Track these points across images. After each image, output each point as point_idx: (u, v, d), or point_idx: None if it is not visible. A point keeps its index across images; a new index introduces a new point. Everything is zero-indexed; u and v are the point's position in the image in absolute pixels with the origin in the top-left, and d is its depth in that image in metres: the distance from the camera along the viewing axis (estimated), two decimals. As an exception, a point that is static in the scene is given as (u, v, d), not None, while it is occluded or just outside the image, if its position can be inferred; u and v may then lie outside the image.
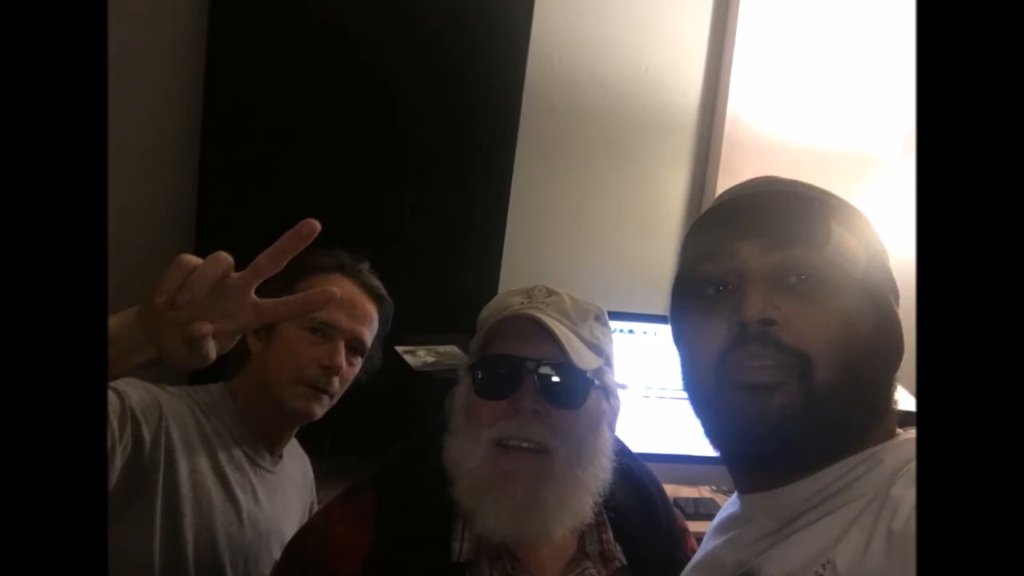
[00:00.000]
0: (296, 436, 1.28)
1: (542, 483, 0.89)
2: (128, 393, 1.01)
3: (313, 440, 1.37)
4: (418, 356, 1.68)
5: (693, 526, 1.09)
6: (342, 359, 1.18)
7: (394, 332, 1.32)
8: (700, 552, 0.80)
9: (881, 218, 0.83)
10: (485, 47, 1.89)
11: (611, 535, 0.97)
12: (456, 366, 1.20)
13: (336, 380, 1.18)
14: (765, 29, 2.10)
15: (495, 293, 1.92)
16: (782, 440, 0.65)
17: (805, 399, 0.64)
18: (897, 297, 0.71)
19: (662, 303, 1.09)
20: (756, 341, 0.65)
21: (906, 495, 0.59)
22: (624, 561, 0.96)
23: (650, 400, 1.85)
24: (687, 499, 1.87)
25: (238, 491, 1.14)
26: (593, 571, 0.94)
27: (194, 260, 0.68)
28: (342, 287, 1.16)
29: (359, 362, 1.23)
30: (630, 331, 1.84)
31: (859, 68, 2.15)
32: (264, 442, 1.21)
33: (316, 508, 1.33)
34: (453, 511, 0.92)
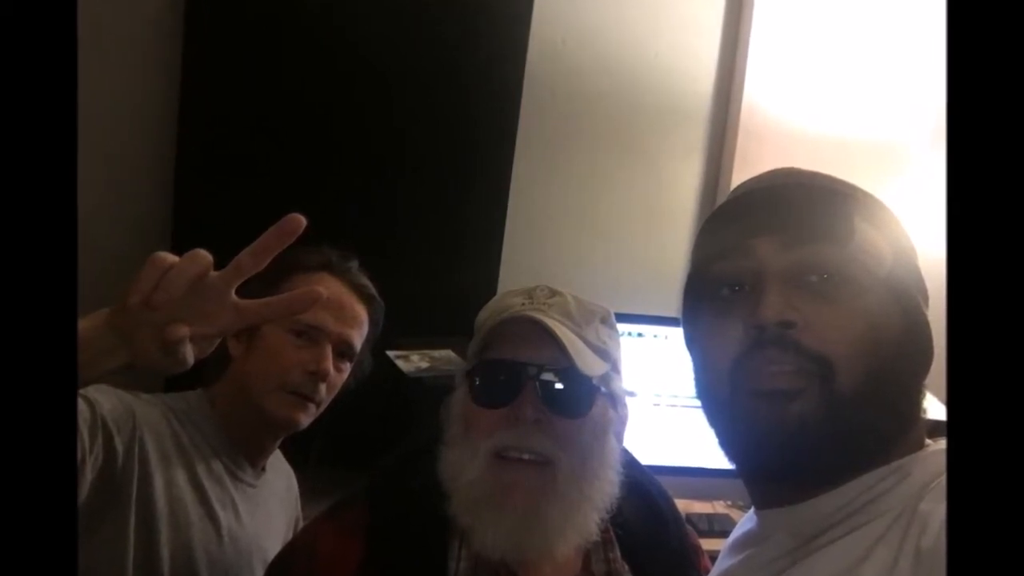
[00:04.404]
0: (280, 447, 1.28)
1: (544, 497, 0.89)
2: (99, 401, 1.00)
3: (298, 451, 1.37)
4: (411, 361, 1.68)
5: (707, 544, 1.09)
6: (329, 364, 1.18)
7: (386, 335, 1.32)
8: (714, 572, 0.81)
9: (909, 213, 0.83)
10: (484, 31, 1.89)
11: (618, 553, 0.97)
12: (452, 372, 1.20)
13: (323, 387, 1.18)
14: (784, 9, 2.10)
15: (494, 294, 1.91)
16: (802, 451, 0.65)
17: (826, 407, 0.64)
18: (926, 298, 0.71)
19: (673, 304, 1.09)
20: (774, 345, 0.65)
21: (936, 510, 0.59)
22: (632, 581, 0.96)
23: (660, 408, 1.85)
24: (700, 515, 1.87)
25: (217, 506, 1.14)
26: (599, 592, 0.94)
27: (170, 258, 0.68)
28: (329, 287, 1.16)
29: (348, 367, 1.23)
30: (639, 334, 1.84)
31: (885, 51, 2.15)
32: (245, 453, 1.20)
33: (301, 524, 1.33)
34: (449, 527, 0.92)
